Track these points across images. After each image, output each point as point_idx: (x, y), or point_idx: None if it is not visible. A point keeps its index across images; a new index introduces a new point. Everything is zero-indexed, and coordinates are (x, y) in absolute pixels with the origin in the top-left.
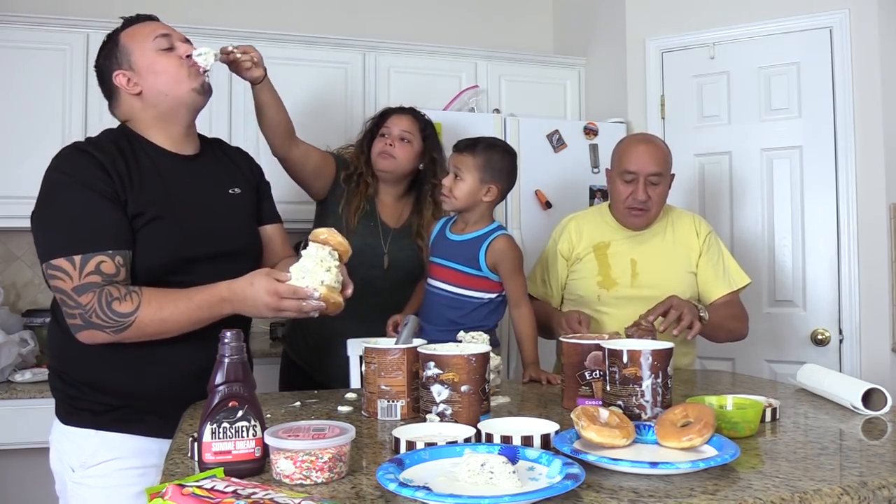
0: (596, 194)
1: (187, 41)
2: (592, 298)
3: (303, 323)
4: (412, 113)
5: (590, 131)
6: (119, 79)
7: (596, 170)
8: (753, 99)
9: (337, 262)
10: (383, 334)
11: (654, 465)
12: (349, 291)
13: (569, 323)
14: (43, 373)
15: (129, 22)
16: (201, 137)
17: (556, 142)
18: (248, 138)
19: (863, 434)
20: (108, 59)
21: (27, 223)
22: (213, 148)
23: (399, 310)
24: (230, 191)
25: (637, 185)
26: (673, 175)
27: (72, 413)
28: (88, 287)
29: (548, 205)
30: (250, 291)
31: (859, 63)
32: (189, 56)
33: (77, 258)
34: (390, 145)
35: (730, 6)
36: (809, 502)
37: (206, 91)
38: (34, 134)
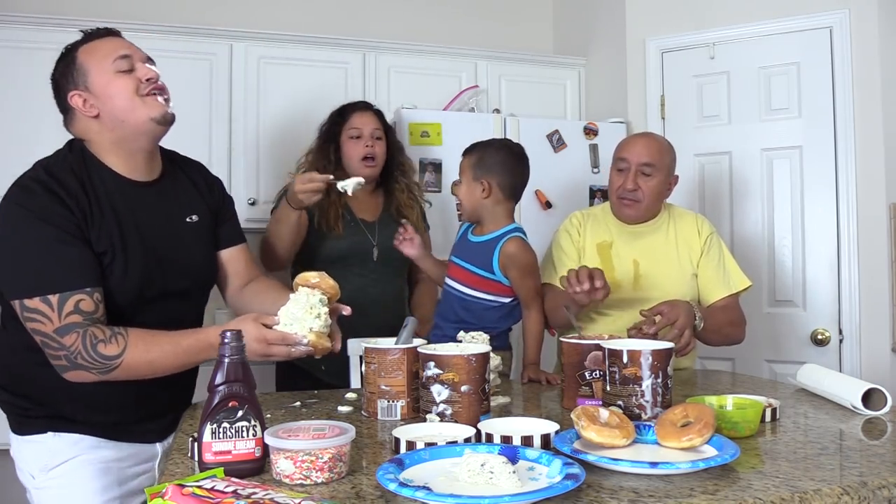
0: (596, 194)
1: (150, 60)
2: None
3: None
4: (371, 108)
5: (590, 131)
6: (75, 99)
7: (596, 170)
8: (753, 99)
9: (326, 309)
10: (384, 326)
11: (654, 465)
12: (338, 345)
13: (579, 278)
14: None
15: (89, 37)
16: (162, 154)
17: (556, 142)
18: (248, 137)
19: (863, 434)
20: (65, 76)
21: None
22: (173, 167)
23: (396, 298)
24: (187, 219)
25: (627, 174)
26: (677, 177)
27: (25, 423)
28: (70, 328)
29: (548, 205)
30: None
31: (859, 63)
32: (150, 79)
33: (54, 299)
34: (370, 146)
35: (730, 6)
36: (809, 502)
37: (167, 121)
38: (34, 134)
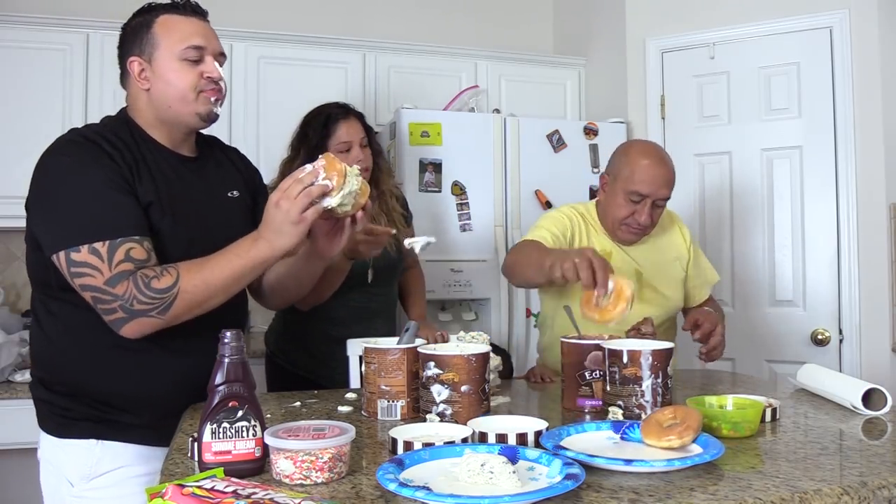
0: (596, 194)
1: (222, 55)
2: None
3: (300, 331)
4: (354, 112)
5: (590, 131)
6: (133, 65)
7: (596, 170)
8: (753, 99)
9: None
10: (391, 333)
11: (628, 462)
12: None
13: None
14: None
15: (174, 7)
16: (198, 136)
17: (556, 142)
18: (248, 137)
19: (863, 434)
20: (134, 37)
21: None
22: (211, 148)
23: (395, 304)
24: (229, 194)
25: (643, 208)
26: None
27: (67, 425)
28: (122, 276)
29: (548, 205)
30: (266, 214)
31: (859, 63)
32: (212, 78)
33: (102, 248)
34: (362, 159)
35: (730, 6)
36: (809, 502)
37: (210, 120)
38: (34, 134)
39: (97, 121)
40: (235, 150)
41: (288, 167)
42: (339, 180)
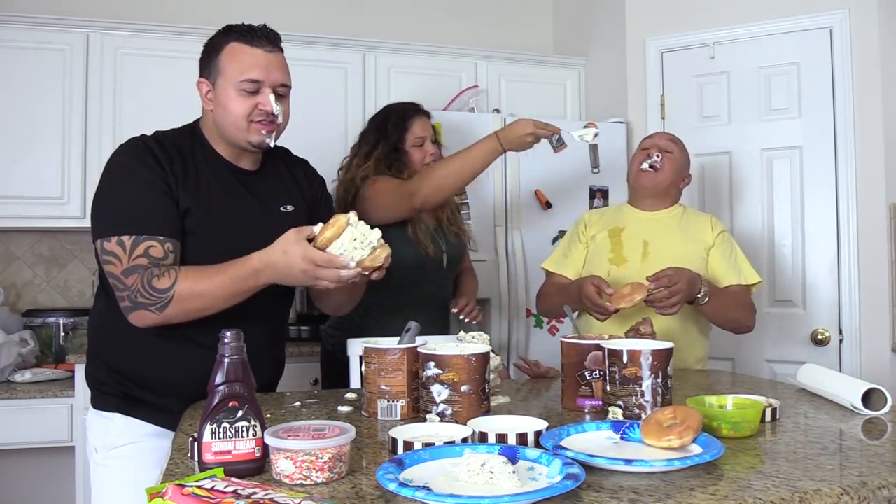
0: (596, 194)
1: (284, 87)
2: (602, 274)
3: (364, 324)
4: (424, 111)
5: None
6: (201, 86)
7: (596, 170)
8: (753, 99)
9: (373, 236)
10: (453, 319)
11: (628, 462)
12: (388, 261)
13: (598, 287)
14: (42, 373)
15: (244, 36)
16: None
17: (556, 142)
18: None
19: (863, 434)
20: (206, 59)
21: (27, 223)
22: (275, 162)
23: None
24: (281, 208)
25: (652, 152)
26: (690, 176)
27: (100, 398)
28: (134, 269)
29: (548, 205)
30: (283, 260)
31: (859, 63)
32: (264, 111)
33: (127, 241)
34: (433, 153)
35: (730, 6)
36: (809, 502)
37: (261, 148)
38: (34, 134)
39: (95, 121)
40: (303, 164)
41: (364, 160)
42: (325, 232)
